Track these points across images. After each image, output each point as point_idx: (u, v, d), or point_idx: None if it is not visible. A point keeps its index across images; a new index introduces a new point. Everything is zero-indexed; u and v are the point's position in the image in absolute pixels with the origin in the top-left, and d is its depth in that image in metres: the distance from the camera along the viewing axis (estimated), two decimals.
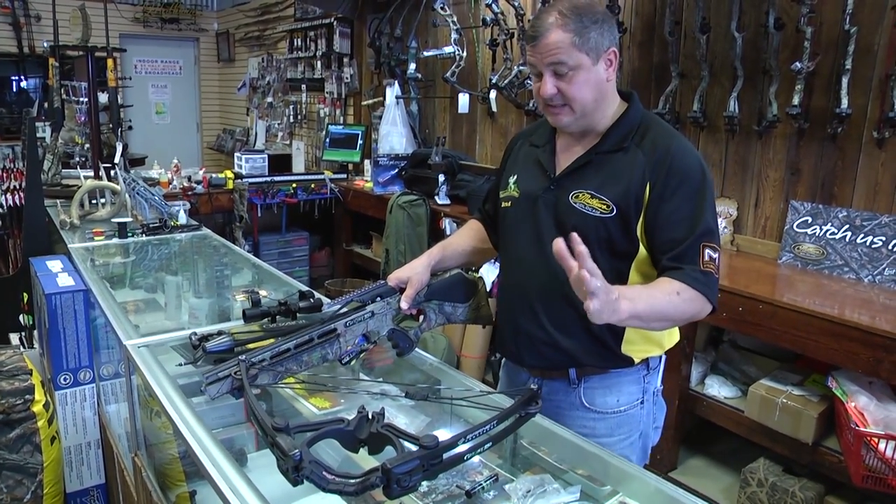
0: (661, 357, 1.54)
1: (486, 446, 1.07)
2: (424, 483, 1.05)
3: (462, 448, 1.03)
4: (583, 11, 1.35)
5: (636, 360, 1.46)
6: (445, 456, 1.00)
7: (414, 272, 1.47)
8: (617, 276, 1.40)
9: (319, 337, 1.33)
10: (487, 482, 1.22)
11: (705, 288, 1.31)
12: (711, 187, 1.38)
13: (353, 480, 0.94)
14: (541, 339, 1.46)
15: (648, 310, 1.23)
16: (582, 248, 1.08)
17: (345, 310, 1.39)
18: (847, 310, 2.27)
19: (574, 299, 1.41)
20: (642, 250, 1.39)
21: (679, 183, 1.35)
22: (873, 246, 2.58)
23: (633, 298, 1.20)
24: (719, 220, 3.08)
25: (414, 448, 0.99)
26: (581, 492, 1.19)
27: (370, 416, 1.07)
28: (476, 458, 1.15)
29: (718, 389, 2.74)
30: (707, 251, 1.32)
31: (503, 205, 1.57)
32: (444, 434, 1.05)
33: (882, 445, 2.05)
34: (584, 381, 1.47)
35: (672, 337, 1.53)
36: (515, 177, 1.55)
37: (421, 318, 1.54)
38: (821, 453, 2.35)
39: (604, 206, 1.38)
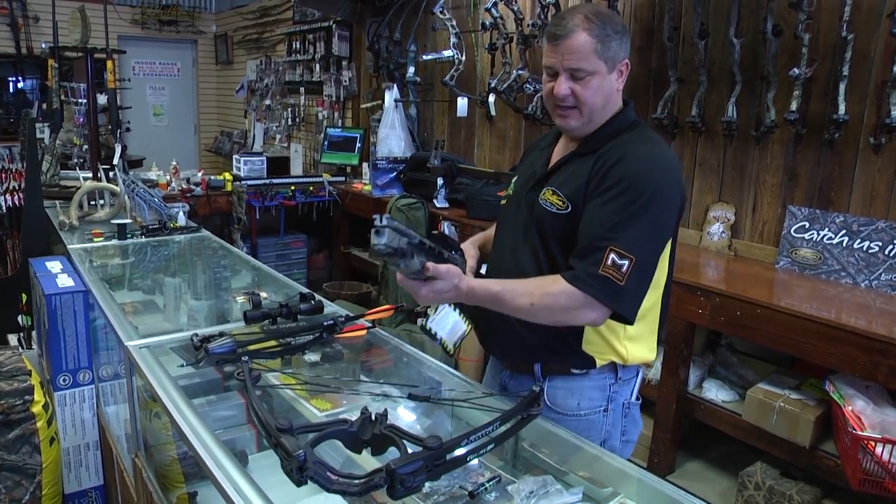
0: (637, 370, 1.54)
1: (489, 448, 1.08)
2: (427, 484, 1.05)
3: (465, 449, 1.04)
4: (607, 19, 1.37)
5: (598, 362, 1.46)
6: (448, 457, 1.01)
7: (466, 249, 1.56)
8: None
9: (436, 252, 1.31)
10: (490, 483, 1.23)
11: (594, 290, 1.27)
12: (660, 204, 1.32)
13: (357, 481, 0.95)
14: (505, 330, 1.48)
15: (498, 292, 1.31)
16: None
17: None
18: (844, 314, 2.28)
19: None
20: None
21: (612, 186, 1.32)
22: (870, 251, 2.59)
23: (483, 284, 1.31)
24: (717, 225, 3.11)
25: (417, 449, 0.99)
26: (582, 493, 1.20)
27: (373, 418, 1.08)
28: (477, 460, 1.15)
29: (716, 393, 2.75)
30: (612, 255, 1.27)
31: (501, 203, 1.64)
32: (445, 436, 1.05)
33: (879, 449, 2.06)
34: (548, 380, 1.50)
35: (637, 351, 1.47)
36: (516, 177, 1.63)
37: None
38: (818, 457, 2.36)
39: (560, 203, 1.41)
